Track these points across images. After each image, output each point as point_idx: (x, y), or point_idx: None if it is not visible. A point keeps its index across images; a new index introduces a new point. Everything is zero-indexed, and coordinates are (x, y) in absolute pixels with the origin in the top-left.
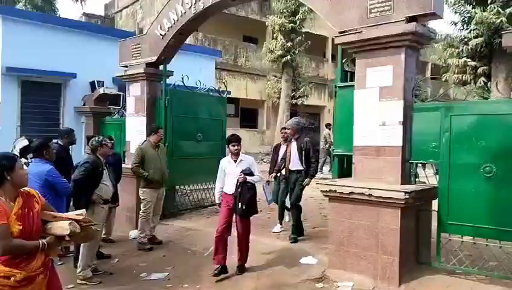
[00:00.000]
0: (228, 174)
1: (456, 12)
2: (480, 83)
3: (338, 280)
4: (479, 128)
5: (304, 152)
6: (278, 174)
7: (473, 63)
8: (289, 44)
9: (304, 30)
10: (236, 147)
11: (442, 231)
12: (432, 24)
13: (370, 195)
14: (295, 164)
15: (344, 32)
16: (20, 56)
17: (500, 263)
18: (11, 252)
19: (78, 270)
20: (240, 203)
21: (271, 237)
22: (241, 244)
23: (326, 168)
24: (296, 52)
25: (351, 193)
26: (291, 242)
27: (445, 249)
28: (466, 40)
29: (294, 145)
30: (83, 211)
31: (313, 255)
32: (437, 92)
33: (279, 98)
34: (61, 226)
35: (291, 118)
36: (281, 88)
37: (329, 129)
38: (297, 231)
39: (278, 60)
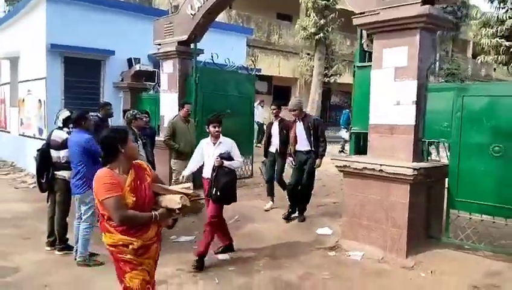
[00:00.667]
0: (206, 157)
1: None
2: None
3: (349, 250)
4: (489, 109)
5: (312, 132)
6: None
7: (507, 43)
8: (322, 21)
9: (338, 7)
10: (216, 129)
11: (451, 207)
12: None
13: (381, 171)
14: (303, 144)
15: (362, 13)
16: (63, 34)
17: (506, 239)
18: (127, 222)
19: None
20: (214, 189)
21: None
22: (207, 235)
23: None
24: (329, 29)
25: (364, 168)
26: (284, 218)
27: (454, 225)
28: (502, 19)
29: (300, 125)
30: (190, 184)
31: (329, 226)
32: (478, 71)
33: (311, 76)
34: (173, 200)
35: (323, 96)
36: (313, 66)
37: None
38: (303, 209)
39: (311, 37)
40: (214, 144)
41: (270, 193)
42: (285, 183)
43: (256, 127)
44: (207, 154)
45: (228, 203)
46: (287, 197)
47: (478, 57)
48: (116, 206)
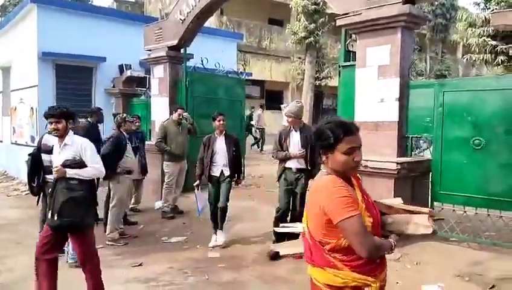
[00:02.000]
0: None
1: None
2: (499, 61)
3: None
4: (469, 103)
5: (309, 146)
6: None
7: (493, 42)
8: (312, 26)
9: (327, 11)
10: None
11: (435, 200)
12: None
13: (366, 166)
14: (297, 162)
15: (346, 14)
16: (55, 41)
17: (489, 230)
18: (374, 253)
19: (107, 232)
20: (50, 212)
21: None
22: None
23: None
24: (320, 33)
25: None
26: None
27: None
28: (487, 19)
29: (296, 136)
30: (398, 199)
31: None
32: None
33: (303, 79)
34: (419, 222)
35: (315, 99)
36: (305, 70)
37: None
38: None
39: (302, 41)
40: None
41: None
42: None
43: (256, 132)
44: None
45: (73, 232)
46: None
47: (464, 56)
48: (363, 231)
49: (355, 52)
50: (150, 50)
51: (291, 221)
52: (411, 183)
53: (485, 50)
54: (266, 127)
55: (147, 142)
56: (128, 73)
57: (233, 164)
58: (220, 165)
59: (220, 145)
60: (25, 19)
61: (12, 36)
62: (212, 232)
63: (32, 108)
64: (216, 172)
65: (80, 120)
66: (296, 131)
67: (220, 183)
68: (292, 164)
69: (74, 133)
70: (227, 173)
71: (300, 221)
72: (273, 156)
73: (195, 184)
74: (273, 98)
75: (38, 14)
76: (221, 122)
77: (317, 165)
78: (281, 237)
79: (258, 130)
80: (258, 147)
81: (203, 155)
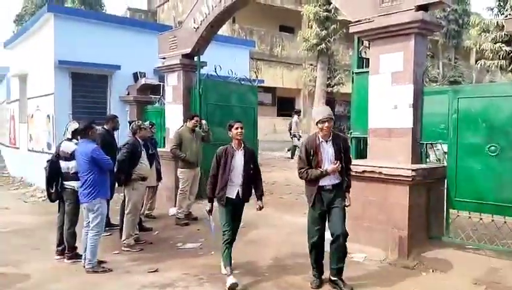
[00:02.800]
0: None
1: None
2: None
3: (352, 252)
4: (484, 109)
5: (343, 157)
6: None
7: (507, 48)
8: (324, 32)
9: (339, 18)
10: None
11: (450, 207)
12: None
13: (380, 173)
14: (331, 177)
15: (358, 21)
16: (71, 50)
17: (505, 237)
18: None
19: (123, 238)
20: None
21: (295, 216)
22: None
23: None
24: (331, 40)
25: (364, 171)
26: None
27: (454, 224)
28: (501, 25)
29: (329, 147)
30: None
31: None
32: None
33: (314, 86)
34: None
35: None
36: (316, 76)
37: None
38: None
39: (313, 48)
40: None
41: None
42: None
43: (296, 141)
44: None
45: None
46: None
47: (478, 62)
48: None
49: (368, 59)
50: (164, 58)
51: (336, 247)
52: (426, 190)
53: (499, 56)
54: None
55: (160, 149)
56: (142, 81)
57: (252, 183)
58: (237, 184)
59: (239, 161)
60: (41, 28)
61: (29, 45)
62: (226, 271)
63: (48, 116)
64: (231, 193)
65: (96, 127)
66: (327, 141)
67: (236, 207)
68: (327, 181)
69: (93, 140)
70: (244, 193)
71: (344, 244)
72: (302, 177)
73: (207, 209)
74: (284, 105)
75: (55, 23)
76: (239, 130)
77: (348, 175)
78: (319, 268)
79: (294, 137)
80: (292, 156)
81: (216, 172)
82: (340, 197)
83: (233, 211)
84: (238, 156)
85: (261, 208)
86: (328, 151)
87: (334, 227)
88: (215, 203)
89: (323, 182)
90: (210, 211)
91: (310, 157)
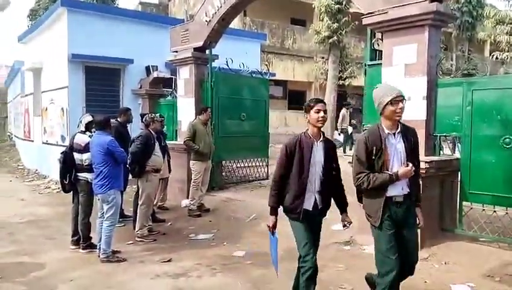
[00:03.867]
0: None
1: None
2: None
3: (364, 244)
4: (499, 101)
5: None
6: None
7: None
8: (335, 25)
9: (351, 10)
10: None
11: (464, 199)
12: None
13: None
14: (404, 184)
15: (371, 13)
16: (84, 44)
17: None
18: None
19: (136, 229)
20: None
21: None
22: None
23: None
24: (343, 33)
25: None
26: None
27: (467, 217)
28: None
29: (398, 142)
30: None
31: None
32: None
33: (326, 79)
34: None
35: (338, 99)
36: (328, 69)
37: None
38: None
39: (325, 41)
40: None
41: None
42: None
43: (341, 135)
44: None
45: None
46: None
47: (493, 53)
48: None
49: (381, 51)
50: (176, 51)
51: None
52: (440, 182)
53: None
54: (291, 127)
55: (172, 142)
56: (154, 74)
57: (333, 188)
58: (314, 189)
59: (319, 157)
60: (55, 22)
61: (43, 39)
62: None
63: (62, 109)
64: (308, 202)
65: (112, 121)
66: (395, 134)
67: (313, 222)
68: (397, 190)
69: (109, 133)
70: (323, 203)
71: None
72: (361, 185)
73: (270, 224)
74: (295, 98)
75: (68, 18)
76: (322, 114)
77: (419, 182)
78: None
79: (342, 132)
80: (344, 151)
81: (284, 172)
82: (412, 214)
83: (311, 227)
84: (317, 150)
85: (349, 224)
86: (397, 148)
87: (409, 257)
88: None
89: (391, 192)
90: (273, 228)
91: (372, 158)
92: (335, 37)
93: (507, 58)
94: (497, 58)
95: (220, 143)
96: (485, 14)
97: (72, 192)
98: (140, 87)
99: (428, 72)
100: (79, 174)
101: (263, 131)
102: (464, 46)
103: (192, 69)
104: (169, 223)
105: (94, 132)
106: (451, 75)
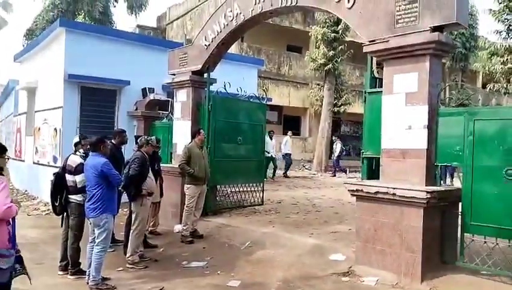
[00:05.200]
0: None
1: (499, 21)
2: None
3: (363, 275)
4: (501, 132)
5: None
6: None
7: None
8: (331, 53)
9: (347, 39)
10: None
11: (465, 231)
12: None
13: (394, 194)
14: None
15: (373, 41)
16: (81, 65)
17: None
18: None
19: (127, 255)
20: None
21: (302, 236)
22: None
23: None
24: (339, 60)
25: (377, 192)
26: None
27: (468, 249)
28: (511, 48)
29: None
30: None
31: (342, 252)
32: (489, 101)
33: (321, 106)
34: None
35: (333, 126)
36: (323, 96)
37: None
38: None
39: (321, 68)
40: None
41: None
42: None
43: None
44: None
45: None
46: None
47: (488, 85)
48: None
49: (380, 79)
50: (174, 74)
51: None
52: (441, 213)
53: (508, 79)
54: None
55: (167, 165)
56: (151, 96)
57: None
58: None
59: None
60: (53, 42)
61: (40, 58)
62: None
63: (56, 129)
64: None
65: (108, 142)
66: None
67: None
68: None
69: (103, 155)
70: None
71: None
72: None
73: None
74: (291, 123)
75: (66, 38)
76: None
77: None
78: None
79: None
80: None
81: None
82: None
83: None
84: None
85: None
86: None
87: None
88: None
89: None
90: None
91: None
92: (330, 65)
93: (501, 89)
94: (490, 89)
95: (216, 167)
96: (479, 45)
97: (62, 215)
98: (136, 109)
99: (429, 101)
100: (70, 196)
101: (259, 155)
102: (457, 76)
103: (189, 92)
104: (161, 249)
105: (83, 152)
106: (445, 105)
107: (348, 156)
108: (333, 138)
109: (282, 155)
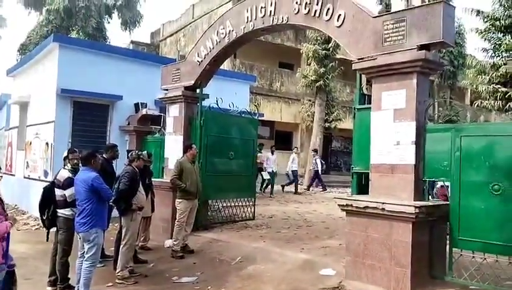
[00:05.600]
0: None
1: (485, 40)
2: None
3: None
4: (487, 148)
5: None
6: None
7: (503, 89)
8: (322, 70)
9: (338, 56)
10: None
11: (453, 246)
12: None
13: (383, 209)
14: None
15: (361, 59)
16: (74, 79)
17: (510, 278)
18: None
19: (117, 271)
20: None
21: (293, 251)
22: None
23: None
24: (329, 77)
25: (366, 207)
26: None
27: (457, 264)
28: (497, 66)
29: None
30: None
31: (332, 267)
32: (477, 118)
33: (312, 121)
34: None
35: (324, 141)
36: (314, 112)
37: None
38: None
39: (312, 84)
40: None
41: None
42: None
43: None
44: None
45: None
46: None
47: (475, 102)
48: None
49: (369, 95)
50: (166, 89)
51: None
52: (429, 228)
53: (495, 97)
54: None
55: (159, 179)
56: (143, 111)
57: None
58: None
59: None
60: (46, 56)
61: (32, 73)
62: None
63: (47, 143)
64: None
65: (99, 157)
66: None
67: None
68: None
69: (94, 169)
70: None
71: None
72: None
73: None
74: (282, 139)
75: (59, 53)
76: None
77: None
78: None
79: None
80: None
81: None
82: None
83: None
84: None
85: None
86: None
87: None
88: None
89: None
90: None
91: None
92: (321, 81)
93: (488, 107)
94: (478, 106)
95: (207, 182)
96: (467, 63)
97: (48, 229)
98: (128, 124)
99: (417, 117)
100: (58, 210)
101: (251, 170)
102: (446, 93)
103: (182, 107)
104: (152, 265)
105: (71, 167)
106: (433, 122)
107: (338, 171)
108: (312, 153)
109: (292, 171)
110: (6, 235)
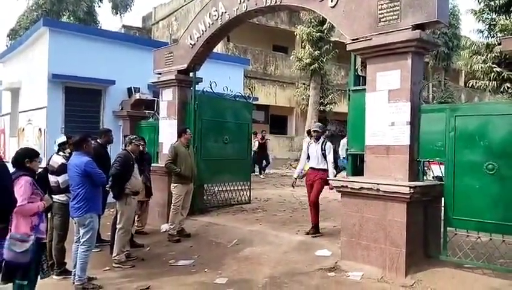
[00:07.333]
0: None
1: (480, 21)
2: (505, 88)
3: (349, 270)
4: (481, 127)
5: None
6: None
7: (498, 69)
8: (317, 52)
9: (332, 39)
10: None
11: (448, 225)
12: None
13: (378, 190)
14: None
15: (356, 39)
16: (65, 64)
17: (503, 256)
18: None
19: (114, 254)
20: None
21: (289, 233)
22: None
23: None
24: (324, 60)
25: (361, 188)
26: None
27: (452, 243)
28: (491, 47)
29: None
30: None
31: (328, 248)
32: (471, 99)
33: (307, 105)
34: None
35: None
36: (309, 95)
37: None
38: None
39: (306, 68)
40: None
41: None
42: None
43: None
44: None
45: None
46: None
47: (469, 81)
48: None
49: (364, 77)
50: (159, 73)
51: None
52: (423, 208)
53: (490, 77)
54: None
55: (154, 164)
56: (137, 96)
57: None
58: None
59: None
60: (36, 41)
61: (23, 58)
62: None
63: (40, 129)
64: None
65: (91, 141)
66: None
67: None
68: None
69: (87, 153)
70: None
71: None
72: None
73: None
74: (277, 123)
75: (49, 37)
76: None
77: None
78: None
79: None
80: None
81: None
82: None
83: None
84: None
85: None
86: None
87: None
88: None
89: None
90: None
91: None
92: (316, 64)
93: (482, 87)
94: (472, 86)
95: (202, 166)
96: (462, 45)
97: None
98: (122, 109)
99: (411, 98)
100: (53, 196)
101: (246, 154)
102: (440, 75)
103: (175, 91)
104: (148, 249)
105: (68, 152)
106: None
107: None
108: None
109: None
110: (39, 212)
